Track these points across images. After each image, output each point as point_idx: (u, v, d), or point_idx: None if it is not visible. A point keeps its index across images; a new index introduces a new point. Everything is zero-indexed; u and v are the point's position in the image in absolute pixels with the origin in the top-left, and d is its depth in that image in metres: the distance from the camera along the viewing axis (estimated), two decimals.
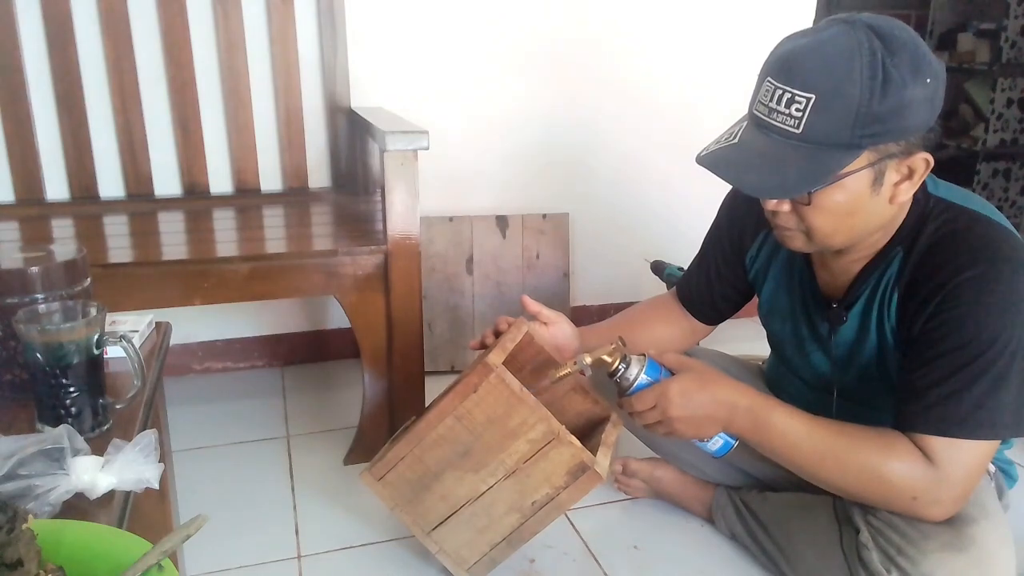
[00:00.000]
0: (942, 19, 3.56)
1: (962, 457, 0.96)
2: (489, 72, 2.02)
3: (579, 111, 2.12)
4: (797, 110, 0.87)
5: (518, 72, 2.04)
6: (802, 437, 1.03)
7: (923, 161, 0.92)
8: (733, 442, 1.11)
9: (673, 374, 1.09)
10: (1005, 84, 3.20)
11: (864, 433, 1.02)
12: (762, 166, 0.91)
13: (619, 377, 1.10)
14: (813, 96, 0.86)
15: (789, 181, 0.90)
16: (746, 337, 1.78)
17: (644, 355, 1.10)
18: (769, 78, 0.91)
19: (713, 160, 0.95)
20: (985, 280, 0.94)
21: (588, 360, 1.09)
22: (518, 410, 1.08)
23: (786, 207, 0.97)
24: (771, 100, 0.90)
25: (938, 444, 0.96)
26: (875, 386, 1.12)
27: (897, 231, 1.03)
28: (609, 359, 1.09)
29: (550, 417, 1.09)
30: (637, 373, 1.08)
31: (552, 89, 2.08)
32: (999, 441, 0.99)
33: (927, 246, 1.00)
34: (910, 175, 0.93)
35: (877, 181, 0.92)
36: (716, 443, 1.11)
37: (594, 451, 1.12)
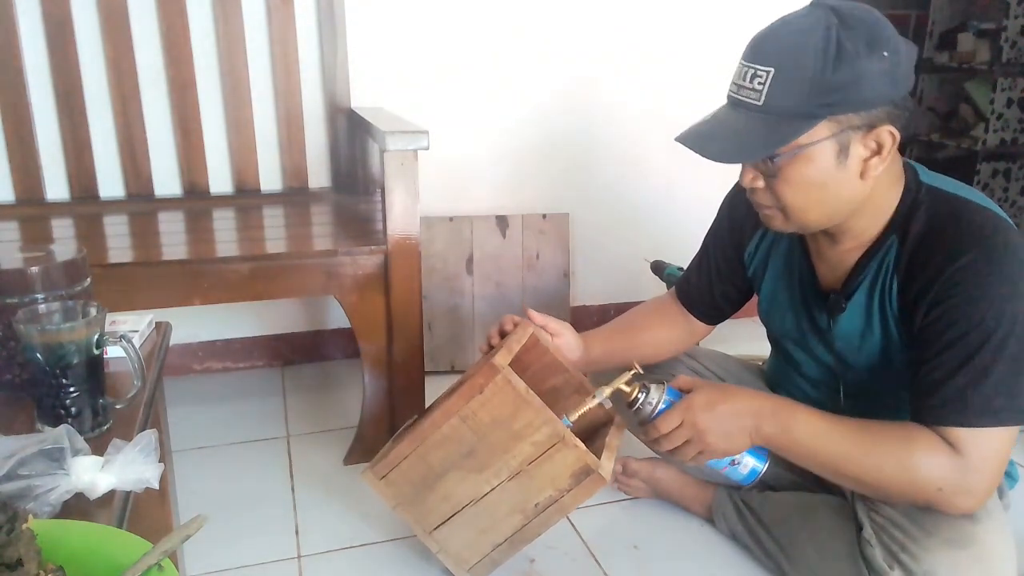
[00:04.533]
0: (942, 19, 3.56)
1: (987, 445, 0.97)
2: (489, 72, 2.02)
3: (579, 111, 2.12)
4: (759, 83, 0.93)
5: (518, 72, 2.04)
6: (826, 435, 1.03)
7: (888, 134, 0.94)
8: (762, 467, 1.10)
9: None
10: (1005, 84, 3.20)
11: (886, 427, 1.02)
12: (726, 136, 0.96)
13: (640, 404, 1.08)
14: (772, 69, 0.92)
15: (748, 146, 0.95)
16: (746, 337, 1.77)
17: (663, 381, 1.09)
18: (741, 60, 0.97)
19: (686, 136, 0.99)
20: (979, 265, 0.95)
21: (607, 392, 1.09)
22: (523, 412, 1.08)
23: (760, 183, 1.00)
24: (740, 79, 0.96)
25: (962, 435, 0.97)
26: (881, 382, 1.12)
27: (891, 220, 1.04)
28: (627, 389, 1.08)
29: (555, 420, 1.08)
30: (659, 398, 1.07)
31: (553, 89, 2.08)
32: (1020, 425, 0.99)
33: (920, 233, 1.01)
34: (879, 150, 0.95)
35: (842, 153, 0.94)
36: (746, 466, 1.10)
37: (598, 454, 1.12)
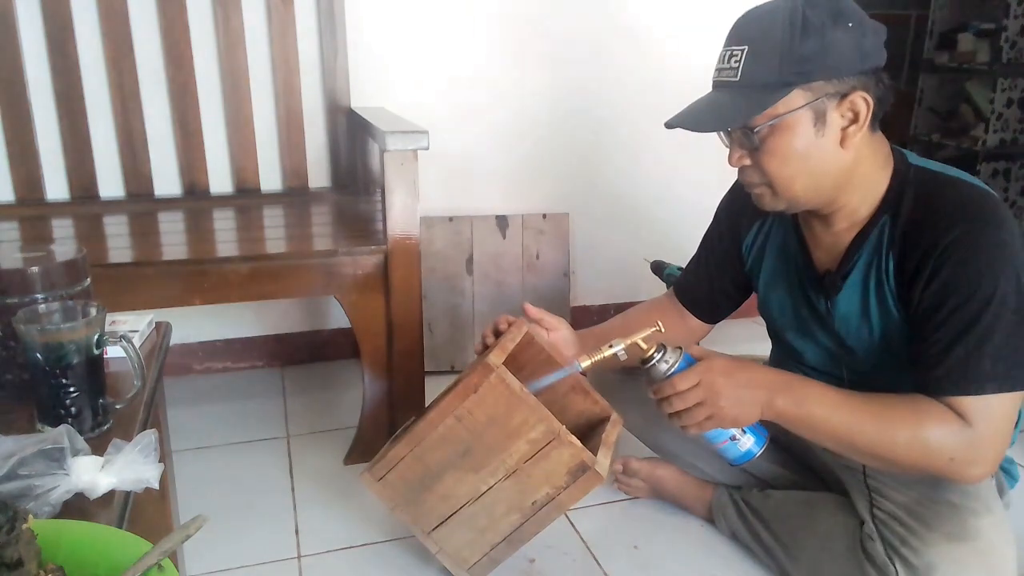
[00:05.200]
0: (942, 19, 3.56)
1: (993, 412, 0.98)
2: (489, 72, 2.02)
3: (580, 111, 2.12)
4: (735, 62, 0.99)
5: (519, 72, 2.04)
6: (840, 408, 1.03)
7: (863, 100, 0.97)
8: (757, 450, 1.10)
9: None
10: (1005, 84, 3.20)
11: (897, 400, 1.03)
12: (706, 110, 1.02)
13: (656, 362, 1.06)
14: (746, 47, 0.98)
15: (726, 116, 1.00)
16: (746, 337, 1.78)
17: (680, 347, 1.08)
18: (722, 48, 1.02)
19: (673, 119, 1.04)
20: (970, 237, 0.97)
21: (624, 344, 1.06)
22: (519, 410, 1.08)
23: (747, 161, 1.03)
24: (720, 62, 1.02)
25: (968, 403, 0.98)
26: (884, 366, 1.12)
27: (882, 200, 1.06)
28: (645, 345, 1.07)
29: (551, 417, 1.08)
30: (675, 359, 1.06)
31: (553, 89, 2.08)
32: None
33: (911, 211, 1.03)
34: (855, 118, 0.98)
35: (819, 121, 0.98)
36: (744, 445, 1.10)
37: (594, 451, 1.12)
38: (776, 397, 1.04)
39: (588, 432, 1.24)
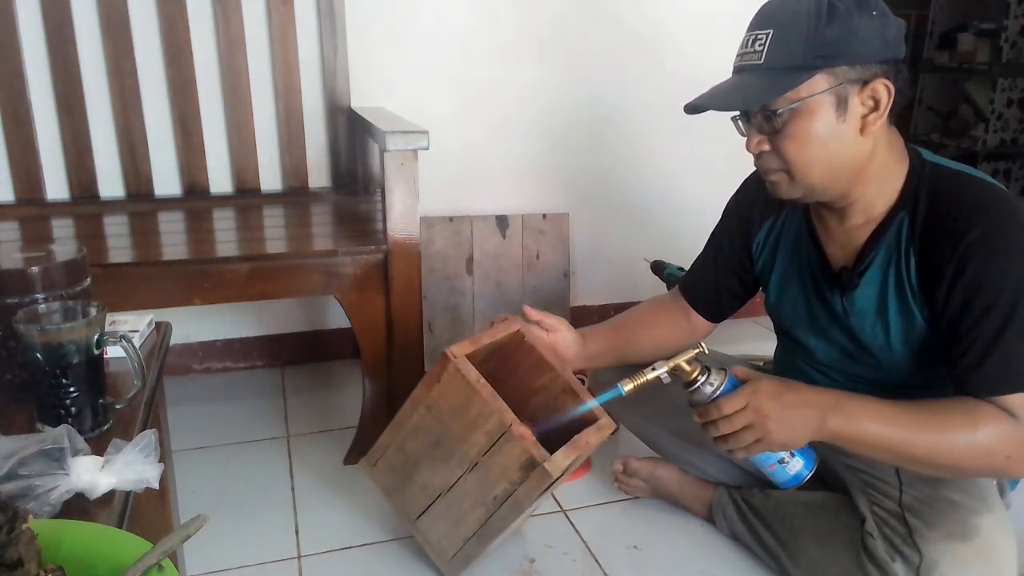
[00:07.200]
0: (942, 19, 3.56)
1: None
2: (489, 72, 2.02)
3: (580, 111, 2.12)
4: (760, 45, 0.99)
5: (519, 72, 2.04)
6: (895, 420, 1.01)
7: (884, 87, 0.98)
8: (806, 474, 1.08)
9: None
10: (1005, 84, 3.20)
11: (946, 404, 1.02)
12: (730, 91, 1.03)
13: (700, 385, 1.04)
14: (771, 30, 0.99)
15: (750, 96, 1.00)
16: (746, 337, 1.78)
17: (724, 368, 1.06)
18: (745, 32, 1.03)
19: (695, 100, 1.04)
20: (991, 235, 0.98)
21: (667, 367, 1.05)
22: (474, 401, 1.09)
23: (766, 146, 1.03)
24: (743, 47, 1.02)
25: (1016, 401, 0.98)
26: (900, 363, 1.12)
27: (899, 196, 1.06)
28: (688, 368, 1.05)
29: (504, 409, 1.08)
30: (720, 382, 1.04)
31: (553, 89, 2.08)
32: None
33: (929, 208, 1.03)
34: (876, 106, 0.99)
35: (841, 106, 0.98)
36: (792, 468, 1.08)
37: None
38: (828, 418, 1.02)
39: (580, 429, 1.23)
